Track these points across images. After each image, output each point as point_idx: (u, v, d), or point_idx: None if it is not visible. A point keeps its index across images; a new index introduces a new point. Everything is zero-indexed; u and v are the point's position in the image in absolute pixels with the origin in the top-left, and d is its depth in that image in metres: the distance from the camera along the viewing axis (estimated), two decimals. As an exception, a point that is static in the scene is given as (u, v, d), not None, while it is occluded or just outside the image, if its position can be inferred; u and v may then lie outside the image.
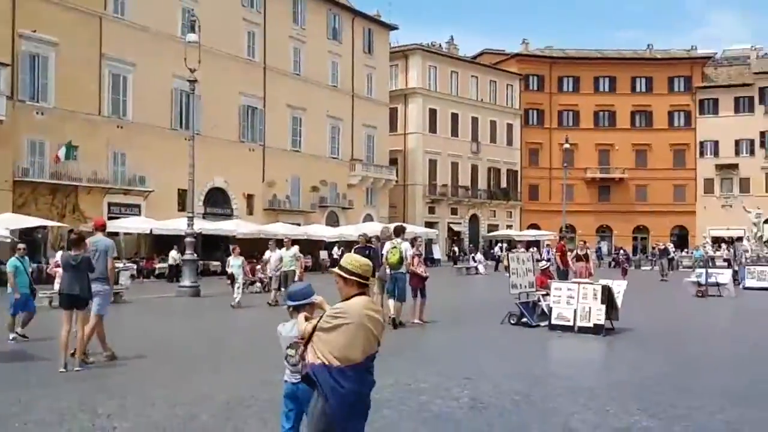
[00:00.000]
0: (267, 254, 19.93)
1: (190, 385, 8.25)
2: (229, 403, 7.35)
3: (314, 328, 4.01)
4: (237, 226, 35.04)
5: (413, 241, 15.03)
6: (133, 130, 34.56)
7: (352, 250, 12.80)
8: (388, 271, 13.36)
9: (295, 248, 18.96)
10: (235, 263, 18.70)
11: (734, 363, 10.42)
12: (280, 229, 36.61)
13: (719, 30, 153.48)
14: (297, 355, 4.24)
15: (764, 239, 35.46)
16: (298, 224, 42.09)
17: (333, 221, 46.77)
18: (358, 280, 4.06)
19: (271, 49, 42.90)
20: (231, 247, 20.78)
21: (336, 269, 4.14)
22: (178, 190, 34.98)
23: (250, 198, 41.77)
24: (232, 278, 18.63)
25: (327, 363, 3.91)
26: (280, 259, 18.53)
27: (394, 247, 13.54)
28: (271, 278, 19.02)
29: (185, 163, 24.22)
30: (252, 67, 41.85)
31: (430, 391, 7.97)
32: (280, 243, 19.97)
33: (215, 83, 37.22)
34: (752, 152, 63.17)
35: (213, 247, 34.43)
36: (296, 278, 18.53)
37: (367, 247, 13.49)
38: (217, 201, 39.92)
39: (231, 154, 39.54)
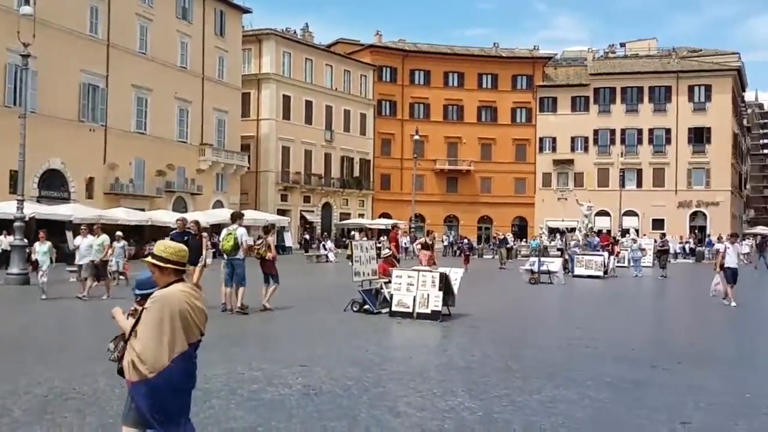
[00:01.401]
0: (77, 240, 18.28)
1: (6, 379, 7.73)
2: (47, 397, 6.99)
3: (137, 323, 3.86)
4: (74, 211, 33.19)
5: (267, 229, 14.90)
6: (-41, 105, 31.89)
7: (169, 236, 12.39)
8: (224, 257, 13.16)
9: (104, 236, 17.71)
10: (40, 249, 17.52)
11: (555, 345, 11.10)
12: (121, 214, 35.17)
13: (561, 32, 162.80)
14: (116, 351, 4.06)
15: (594, 230, 38.00)
16: (143, 209, 40.50)
17: (181, 207, 45.35)
18: (174, 267, 3.94)
19: (115, 26, 40.81)
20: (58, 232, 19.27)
21: (149, 258, 3.97)
22: (10, 171, 32.51)
23: (90, 181, 39.65)
24: (35, 265, 17.34)
25: None
26: (90, 247, 17.17)
27: (230, 234, 13.36)
28: (81, 267, 17.45)
29: (18, 142, 22.67)
30: (94, 44, 39.61)
31: (264, 379, 7.94)
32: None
33: (53, 59, 35.10)
34: (586, 149, 67.62)
35: (48, 232, 32.33)
36: (121, 268, 17.67)
37: (186, 233, 13.08)
38: (54, 183, 37.56)
39: (69, 135, 37.32)
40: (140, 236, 36.62)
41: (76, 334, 11.98)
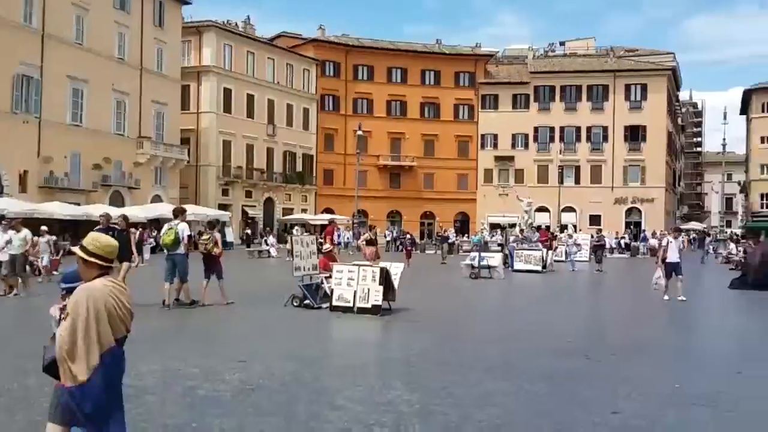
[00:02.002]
0: None
1: (-72, 379, 7.45)
2: (-27, 396, 6.75)
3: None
4: (7, 205, 32.17)
5: (213, 224, 14.67)
6: None
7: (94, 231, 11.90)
8: (165, 252, 12.95)
9: (26, 231, 16.99)
10: None
11: (493, 339, 11.24)
12: (56, 208, 34.25)
13: (503, 29, 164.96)
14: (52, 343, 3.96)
15: (533, 225, 38.56)
16: (78, 204, 39.46)
17: (118, 201, 44.34)
18: (98, 262, 3.83)
19: (50, 16, 39.59)
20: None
21: (76, 249, 3.86)
22: (-64, 163, 31.40)
23: (23, 174, 38.40)
24: None
25: None
26: (9, 242, 16.43)
27: (170, 229, 13.13)
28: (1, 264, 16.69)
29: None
30: (29, 34, 38.35)
31: (200, 375, 7.81)
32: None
33: (-17, 48, 33.93)
34: (526, 146, 68.61)
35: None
36: (44, 263, 17.03)
37: (110, 229, 12.69)
38: (-16, 177, 36.33)
39: (1, 127, 36.11)
40: (75, 231, 35.67)
41: (3, 331, 11.59)
